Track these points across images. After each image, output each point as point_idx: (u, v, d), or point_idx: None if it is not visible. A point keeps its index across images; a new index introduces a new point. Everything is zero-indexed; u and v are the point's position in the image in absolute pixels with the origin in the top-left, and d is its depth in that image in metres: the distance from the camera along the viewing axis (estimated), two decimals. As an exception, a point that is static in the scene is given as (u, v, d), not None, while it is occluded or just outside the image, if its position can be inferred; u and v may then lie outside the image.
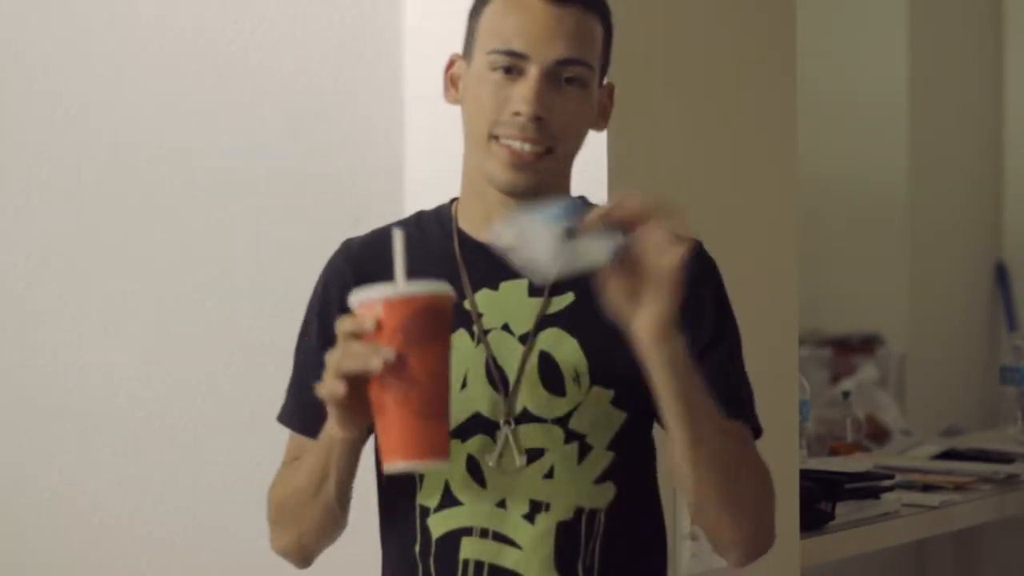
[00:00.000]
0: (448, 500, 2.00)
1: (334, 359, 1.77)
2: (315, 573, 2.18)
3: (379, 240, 2.08)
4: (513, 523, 1.98)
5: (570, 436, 1.98)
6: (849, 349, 5.75)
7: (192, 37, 2.82)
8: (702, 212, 2.83)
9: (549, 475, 1.98)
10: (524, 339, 2.00)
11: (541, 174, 1.97)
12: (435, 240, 2.06)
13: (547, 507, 1.98)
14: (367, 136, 2.93)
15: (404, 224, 2.11)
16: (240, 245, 2.86)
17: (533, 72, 1.95)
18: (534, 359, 1.99)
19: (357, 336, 1.76)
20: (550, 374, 1.99)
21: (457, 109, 2.05)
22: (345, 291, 2.03)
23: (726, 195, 2.92)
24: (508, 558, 1.98)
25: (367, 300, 1.78)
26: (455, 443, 1.98)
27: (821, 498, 3.25)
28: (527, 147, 1.95)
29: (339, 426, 1.83)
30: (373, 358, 1.74)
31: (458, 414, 1.98)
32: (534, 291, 2.01)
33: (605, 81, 2.04)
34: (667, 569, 2.09)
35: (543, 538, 1.98)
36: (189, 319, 2.82)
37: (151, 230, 2.81)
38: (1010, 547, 4.49)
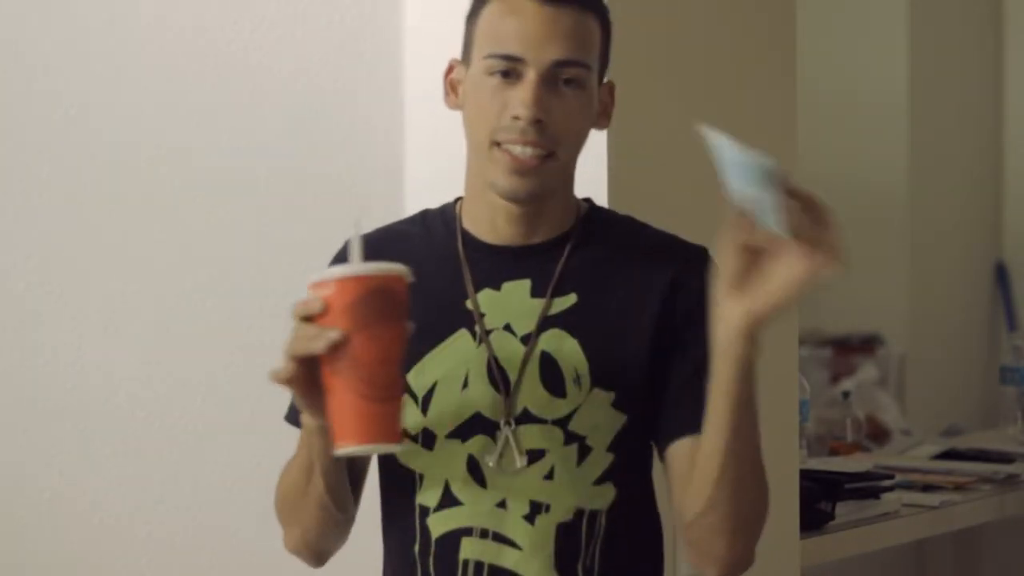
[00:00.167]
0: (448, 500, 1.99)
1: (286, 341, 1.77)
2: (319, 570, 2.18)
3: (383, 238, 2.09)
4: (513, 524, 1.98)
5: (570, 437, 1.98)
6: (849, 349, 5.75)
7: (192, 37, 2.82)
8: (702, 212, 2.83)
9: (549, 476, 1.98)
10: (526, 340, 2.00)
11: (544, 178, 1.97)
12: (439, 239, 2.06)
13: (547, 508, 1.98)
14: (367, 136, 2.94)
15: (410, 221, 2.12)
16: (240, 245, 2.86)
17: (531, 75, 1.94)
18: (535, 360, 1.99)
19: (308, 318, 1.76)
20: (551, 375, 1.99)
21: (447, 106, 2.05)
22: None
23: (726, 195, 2.91)
24: (508, 558, 1.98)
25: (318, 281, 1.77)
26: (456, 443, 1.98)
27: (821, 498, 3.25)
28: (528, 151, 1.95)
29: (305, 411, 1.83)
30: (318, 340, 1.75)
31: (459, 414, 1.98)
32: (536, 291, 2.01)
33: (606, 79, 2.04)
34: (665, 570, 2.08)
35: (543, 539, 1.98)
36: (189, 319, 2.82)
37: (151, 230, 2.81)
38: (1010, 547, 4.49)
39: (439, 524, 2.00)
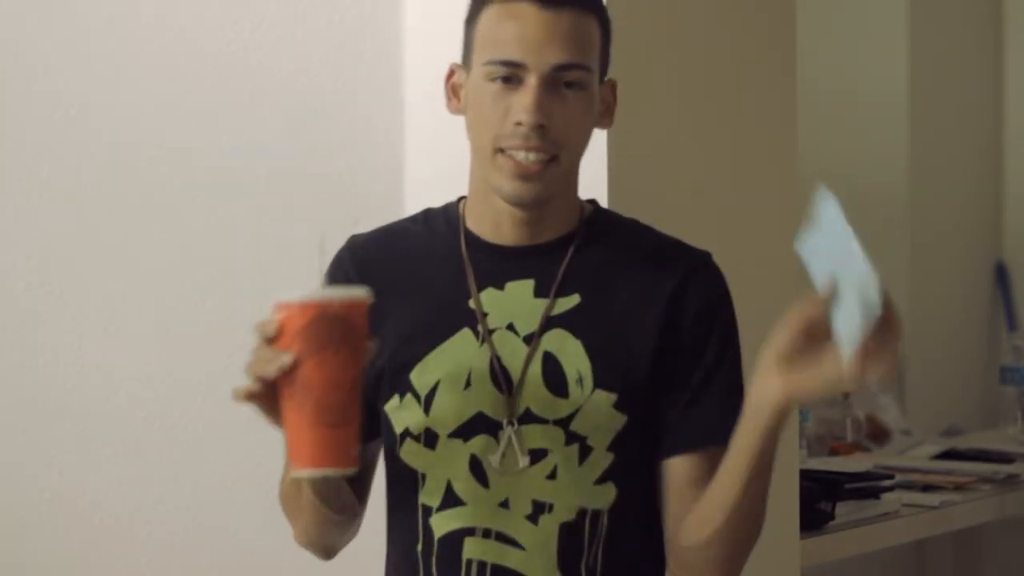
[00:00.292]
0: (450, 500, 1.99)
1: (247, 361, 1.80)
2: (319, 570, 2.18)
3: (384, 236, 2.09)
4: (516, 523, 1.98)
5: (571, 438, 1.98)
6: (849, 349, 5.74)
7: (192, 37, 2.82)
8: (702, 212, 2.83)
9: (552, 476, 1.98)
10: (529, 339, 2.00)
11: (547, 183, 1.97)
12: (442, 238, 2.06)
13: (550, 508, 1.98)
14: (367, 136, 2.94)
15: (411, 220, 2.12)
16: (240, 245, 2.86)
17: (532, 80, 1.94)
18: (538, 360, 1.99)
19: (268, 340, 1.79)
20: (554, 375, 1.98)
21: (449, 112, 2.05)
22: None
23: (726, 195, 2.92)
24: (511, 559, 1.98)
25: (278, 304, 1.79)
26: (458, 442, 1.98)
27: (821, 498, 3.25)
28: (532, 156, 1.95)
29: (273, 425, 1.85)
30: (270, 364, 1.78)
31: (461, 413, 1.98)
32: (540, 292, 2.01)
33: (607, 78, 2.04)
34: (666, 568, 2.09)
35: (547, 539, 1.98)
36: (189, 319, 2.82)
37: (151, 230, 2.81)
38: (1010, 547, 4.49)
39: (442, 524, 2.00)
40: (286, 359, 1.77)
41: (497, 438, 1.98)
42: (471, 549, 1.99)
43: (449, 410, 1.99)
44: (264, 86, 2.87)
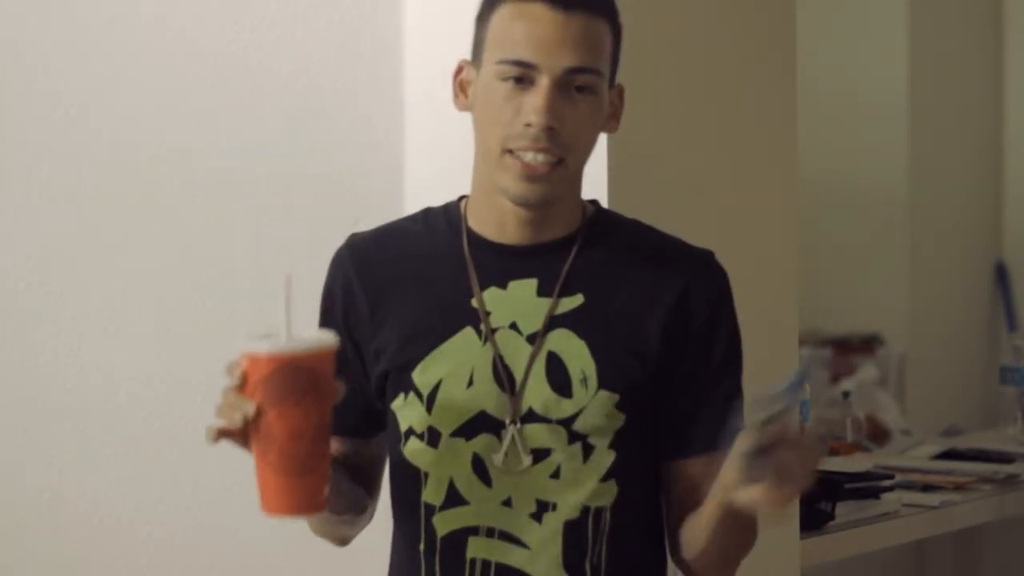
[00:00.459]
0: (453, 499, 2.00)
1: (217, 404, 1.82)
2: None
3: (384, 235, 2.09)
4: (520, 522, 1.99)
5: (573, 437, 1.98)
6: (849, 349, 5.75)
7: (192, 37, 2.82)
8: (702, 212, 2.83)
9: (555, 475, 1.98)
10: (532, 339, 2.00)
11: (554, 185, 1.97)
12: (443, 237, 2.06)
13: (554, 507, 1.98)
14: (367, 136, 2.93)
15: (411, 219, 2.11)
16: (240, 245, 2.86)
17: (543, 82, 1.94)
18: (542, 359, 1.99)
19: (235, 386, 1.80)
20: (557, 375, 1.99)
21: (456, 107, 2.05)
22: (348, 288, 2.05)
23: (726, 195, 2.92)
24: (516, 557, 1.99)
25: (244, 351, 1.80)
26: (460, 441, 1.98)
27: (821, 498, 3.25)
28: (540, 158, 1.95)
29: None
30: (235, 413, 1.80)
31: (463, 412, 1.98)
32: (543, 291, 2.01)
33: (616, 83, 2.04)
34: (668, 564, 2.09)
35: (551, 537, 1.98)
36: (189, 319, 2.82)
37: (151, 230, 2.81)
38: (1010, 547, 4.48)
39: (444, 523, 2.00)
40: (249, 409, 1.79)
41: (499, 437, 1.98)
42: (475, 548, 1.99)
43: (451, 408, 1.99)
44: (264, 86, 2.87)
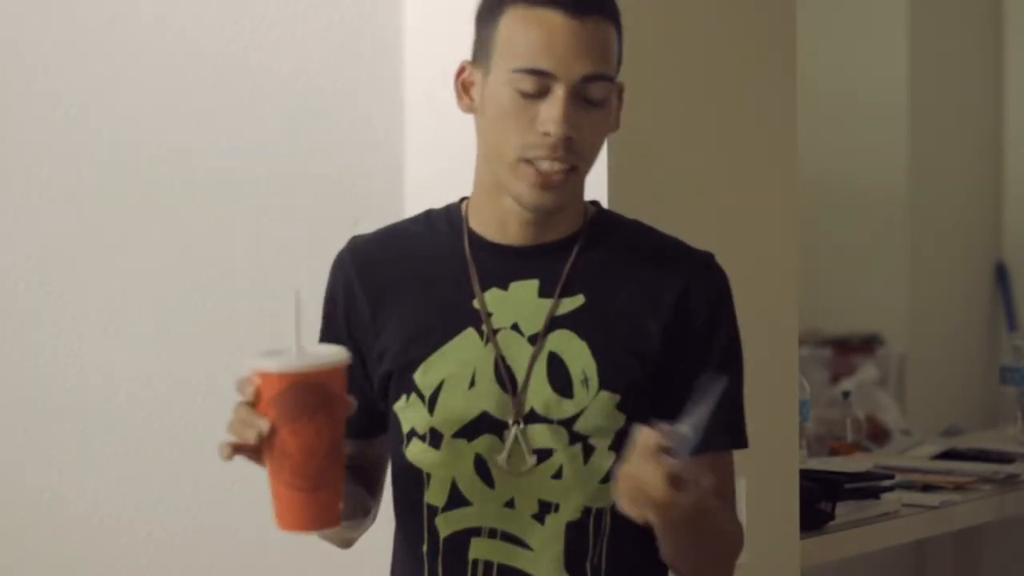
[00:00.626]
0: (456, 500, 2.00)
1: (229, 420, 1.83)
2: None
3: (386, 237, 2.09)
4: (523, 523, 1.99)
5: (574, 437, 1.98)
6: (849, 349, 5.75)
7: (192, 37, 2.82)
8: (702, 212, 2.83)
9: (558, 475, 1.98)
10: (533, 339, 2.00)
11: (566, 192, 1.98)
12: (444, 238, 2.06)
13: (556, 507, 1.99)
14: (367, 136, 2.93)
15: (413, 221, 2.11)
16: (240, 245, 2.86)
17: (560, 91, 1.93)
18: (543, 360, 1.99)
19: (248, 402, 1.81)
20: (559, 376, 1.99)
21: (456, 107, 2.05)
22: (349, 290, 2.05)
23: (726, 195, 2.92)
24: (518, 558, 1.99)
25: (255, 368, 1.80)
26: (462, 442, 1.98)
27: (821, 498, 3.25)
28: (556, 167, 1.95)
29: None
30: (248, 430, 1.81)
31: (466, 413, 1.98)
32: (544, 291, 2.01)
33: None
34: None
35: (553, 538, 1.98)
36: (189, 319, 2.82)
37: (151, 230, 2.81)
38: (1010, 547, 4.48)
39: (447, 524, 2.00)
40: (263, 426, 1.80)
41: (502, 438, 1.98)
42: (478, 549, 1.99)
43: (453, 410, 1.99)
44: (264, 86, 2.87)
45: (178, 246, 2.82)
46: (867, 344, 5.79)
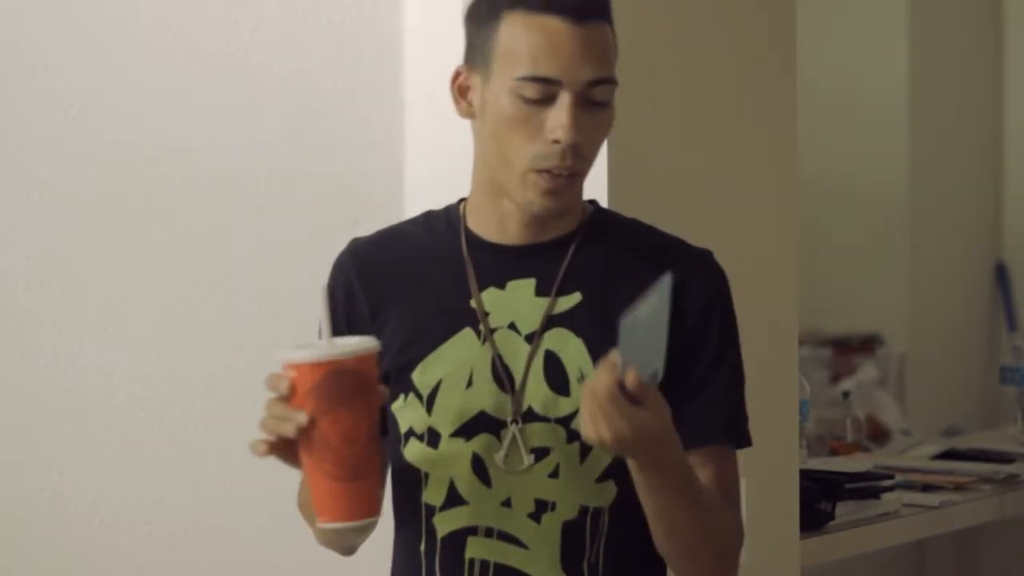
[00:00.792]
0: (453, 499, 2.00)
1: (261, 418, 1.82)
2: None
3: (385, 238, 2.09)
4: (519, 522, 1.99)
5: (572, 436, 1.98)
6: (849, 349, 5.76)
7: (192, 37, 2.82)
8: (702, 212, 2.83)
9: (554, 474, 1.98)
10: (531, 338, 2.00)
11: (571, 195, 1.98)
12: (442, 239, 2.06)
13: (553, 506, 1.99)
14: (367, 136, 2.94)
15: (412, 222, 2.12)
16: (240, 245, 2.86)
17: (567, 98, 1.93)
18: (540, 358, 1.99)
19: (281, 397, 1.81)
20: (555, 374, 1.99)
21: (458, 115, 2.04)
22: (349, 291, 2.05)
23: (726, 195, 2.92)
24: (515, 557, 1.99)
25: (286, 361, 1.80)
26: (460, 441, 1.98)
27: (821, 498, 3.25)
28: (564, 172, 1.95)
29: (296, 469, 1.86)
30: (286, 423, 1.80)
31: (463, 412, 1.99)
32: (541, 290, 2.01)
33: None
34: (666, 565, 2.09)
35: (550, 537, 1.98)
36: (189, 319, 2.82)
37: (151, 230, 2.81)
38: (1010, 547, 4.49)
39: (445, 523, 2.00)
40: (302, 419, 1.79)
41: (499, 437, 1.98)
42: (474, 548, 1.99)
43: (451, 409, 1.99)
44: (264, 86, 2.87)
45: (178, 246, 2.82)
46: (867, 344, 5.79)
